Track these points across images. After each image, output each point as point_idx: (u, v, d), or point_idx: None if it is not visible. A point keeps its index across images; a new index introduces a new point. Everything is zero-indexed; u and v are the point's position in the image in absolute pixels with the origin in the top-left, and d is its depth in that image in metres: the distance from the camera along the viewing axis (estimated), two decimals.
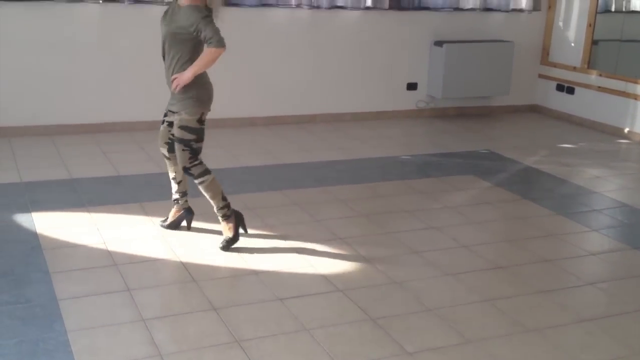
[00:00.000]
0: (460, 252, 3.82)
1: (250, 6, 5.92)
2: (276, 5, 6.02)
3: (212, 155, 5.31)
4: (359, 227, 4.14)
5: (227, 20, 5.84)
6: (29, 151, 5.16)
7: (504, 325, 3.07)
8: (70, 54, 5.55)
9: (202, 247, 3.72)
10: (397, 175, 5.11)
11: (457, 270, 3.57)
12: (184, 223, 3.92)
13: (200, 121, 3.59)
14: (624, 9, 6.89)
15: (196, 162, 3.61)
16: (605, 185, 5.08)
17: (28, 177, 4.61)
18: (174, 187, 3.86)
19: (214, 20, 3.46)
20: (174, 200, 3.88)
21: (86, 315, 2.99)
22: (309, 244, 3.81)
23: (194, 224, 3.95)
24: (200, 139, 3.61)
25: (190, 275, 3.39)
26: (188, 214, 3.90)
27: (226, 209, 3.69)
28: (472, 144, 6.05)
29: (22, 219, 3.95)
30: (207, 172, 3.63)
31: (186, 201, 3.90)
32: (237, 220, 3.74)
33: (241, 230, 3.78)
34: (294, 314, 3.07)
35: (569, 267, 3.69)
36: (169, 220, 3.91)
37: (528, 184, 5.11)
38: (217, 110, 6.06)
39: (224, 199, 3.70)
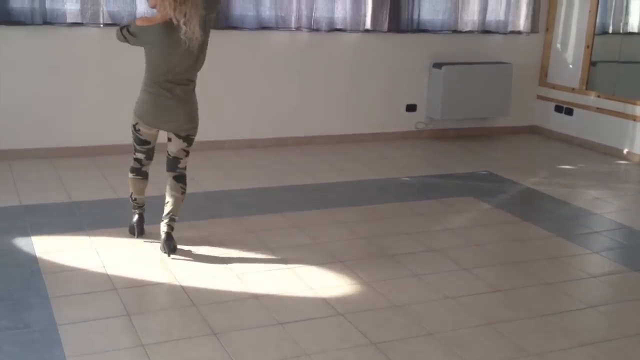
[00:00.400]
0: (461, 275, 3.81)
1: (251, 29, 5.95)
2: (276, 28, 6.05)
3: (212, 176, 5.34)
4: (360, 249, 4.13)
5: (227, 43, 5.94)
6: (29, 174, 5.17)
7: (506, 350, 3.05)
8: (70, 77, 5.58)
9: (202, 270, 3.71)
10: (397, 197, 5.12)
11: (458, 294, 3.56)
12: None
13: (134, 128, 3.80)
14: (621, 31, 6.94)
15: (133, 157, 3.93)
16: (605, 207, 5.08)
17: (28, 201, 4.61)
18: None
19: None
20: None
21: (85, 340, 2.98)
22: (310, 267, 3.80)
23: (196, 248, 3.95)
24: (133, 140, 3.86)
25: (190, 299, 3.38)
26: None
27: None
28: (472, 165, 6.06)
29: (21, 242, 3.95)
30: (130, 171, 3.96)
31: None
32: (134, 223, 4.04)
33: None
34: (294, 339, 3.05)
35: (569, 290, 3.68)
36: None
37: (528, 206, 5.11)
38: (217, 131, 6.15)
39: (132, 199, 4.02)
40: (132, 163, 3.94)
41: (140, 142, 3.83)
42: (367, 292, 3.55)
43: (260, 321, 3.21)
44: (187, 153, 3.82)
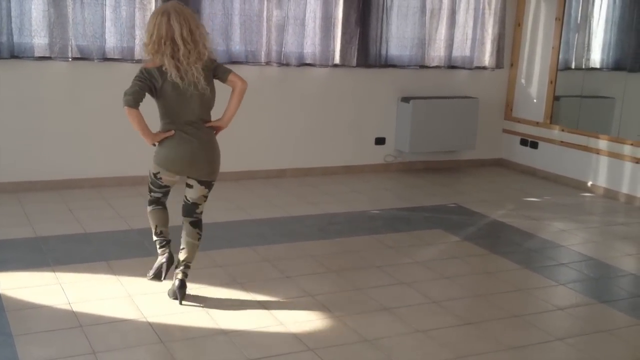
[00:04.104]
0: (431, 308, 3.82)
1: (221, 63, 5.96)
2: (246, 62, 6.09)
3: (180, 210, 5.28)
4: (329, 283, 4.12)
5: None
6: None
7: None
8: (37, 111, 5.53)
9: (170, 306, 3.66)
10: (367, 230, 5.13)
11: (428, 327, 3.57)
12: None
13: (155, 176, 3.71)
14: (583, 66, 7.12)
15: (148, 196, 3.86)
16: (571, 239, 5.16)
17: None
18: None
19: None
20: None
21: None
22: (279, 302, 3.78)
23: (164, 283, 3.90)
24: (151, 183, 3.79)
25: (157, 336, 3.33)
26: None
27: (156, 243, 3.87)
28: (440, 198, 6.12)
29: None
30: (148, 203, 3.86)
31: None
32: (158, 266, 3.85)
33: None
34: None
35: (538, 322, 3.71)
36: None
37: (496, 238, 5.16)
38: None
39: (156, 234, 3.84)
40: (149, 198, 3.82)
41: (159, 187, 3.76)
42: (337, 327, 3.53)
43: (229, 358, 3.17)
44: (206, 198, 3.77)
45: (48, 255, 4.26)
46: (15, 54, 5.31)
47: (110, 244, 4.52)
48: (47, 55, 5.41)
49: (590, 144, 6.53)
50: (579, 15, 7.00)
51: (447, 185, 6.57)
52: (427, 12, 6.70)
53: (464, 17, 6.90)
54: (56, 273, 3.99)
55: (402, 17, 6.64)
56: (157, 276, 3.85)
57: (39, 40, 5.37)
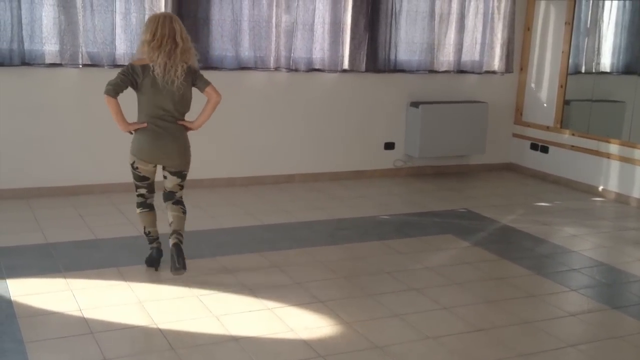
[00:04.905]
0: (441, 314, 3.80)
1: (230, 69, 6.00)
2: (255, 68, 6.10)
3: (190, 215, 5.28)
4: (339, 289, 4.12)
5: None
6: (4, 215, 5.10)
7: None
8: (48, 117, 5.56)
9: (181, 313, 3.66)
10: (376, 235, 5.12)
11: (438, 334, 3.55)
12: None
13: (132, 166, 4.05)
14: (594, 70, 7.10)
15: (136, 197, 4.17)
16: (583, 244, 5.13)
17: (3, 242, 4.54)
18: None
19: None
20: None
21: None
22: (289, 308, 3.77)
23: (174, 289, 3.91)
24: (133, 178, 4.11)
25: (168, 343, 3.33)
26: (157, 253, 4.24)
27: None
28: (450, 203, 6.10)
29: None
30: (137, 206, 4.17)
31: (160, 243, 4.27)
32: (149, 257, 4.21)
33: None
34: None
35: (549, 328, 3.69)
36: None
37: (506, 244, 5.14)
38: (195, 170, 6.08)
39: (145, 234, 4.20)
40: (136, 199, 4.17)
41: (140, 178, 4.09)
42: (347, 333, 3.52)
43: None
44: (182, 187, 4.15)
45: (59, 262, 4.27)
46: (26, 61, 5.34)
47: (120, 250, 4.53)
48: (58, 62, 5.43)
49: (601, 149, 6.50)
50: (589, 19, 6.98)
51: (457, 190, 6.55)
52: (436, 16, 6.69)
53: (473, 22, 6.89)
54: (67, 279, 4.00)
55: (411, 22, 6.63)
56: (151, 265, 4.22)
57: (50, 47, 5.40)
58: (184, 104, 4.02)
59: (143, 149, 3.98)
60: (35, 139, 5.54)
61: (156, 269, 4.19)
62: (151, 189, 4.15)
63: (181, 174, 4.08)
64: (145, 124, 3.95)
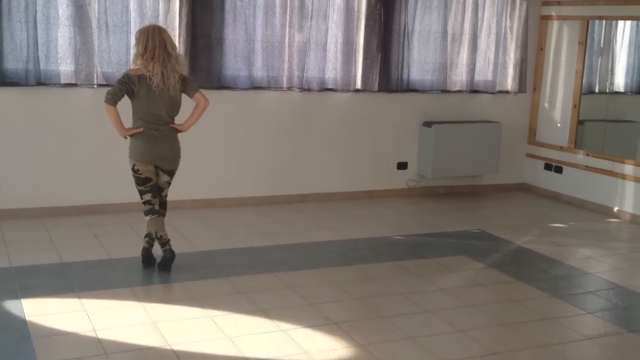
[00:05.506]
0: (457, 337, 3.77)
1: (243, 89, 6.03)
2: (267, 88, 6.13)
3: (203, 235, 5.32)
4: (353, 311, 4.09)
5: (220, 102, 6.02)
6: (19, 234, 5.12)
7: None
8: (62, 137, 5.59)
9: (194, 333, 3.65)
10: (390, 256, 5.10)
11: (453, 357, 3.52)
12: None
13: (133, 169, 4.39)
14: (607, 90, 7.08)
15: (143, 205, 4.48)
16: (598, 266, 5.08)
17: (18, 262, 4.56)
18: None
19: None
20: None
21: None
22: (303, 330, 3.75)
23: (187, 310, 3.90)
24: (136, 183, 4.44)
25: None
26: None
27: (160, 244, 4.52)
28: (464, 223, 6.07)
29: (11, 305, 3.88)
30: (145, 214, 4.45)
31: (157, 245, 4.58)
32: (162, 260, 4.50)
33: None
34: None
35: (565, 352, 3.65)
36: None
37: (521, 265, 5.10)
38: (209, 190, 6.16)
39: (157, 238, 4.48)
40: (144, 208, 4.45)
41: (143, 181, 4.40)
42: (362, 356, 3.50)
43: None
44: (169, 184, 4.56)
45: (73, 281, 4.28)
46: (41, 81, 5.39)
47: (134, 270, 4.53)
48: (73, 82, 5.48)
49: (616, 169, 6.46)
50: (602, 39, 6.97)
51: (470, 211, 6.52)
52: (448, 36, 6.71)
53: (486, 42, 6.90)
54: (81, 299, 4.00)
55: (424, 42, 6.65)
56: (164, 269, 4.50)
57: (65, 67, 5.45)
58: (175, 108, 4.40)
59: (142, 152, 4.34)
60: (50, 159, 5.58)
61: (169, 271, 4.47)
62: (155, 194, 4.44)
63: (173, 172, 4.51)
64: (142, 129, 4.31)
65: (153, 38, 4.23)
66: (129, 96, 4.30)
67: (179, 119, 4.47)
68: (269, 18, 6.01)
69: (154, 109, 4.30)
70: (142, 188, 4.41)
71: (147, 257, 4.56)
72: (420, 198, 6.88)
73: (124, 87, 4.25)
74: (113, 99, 4.23)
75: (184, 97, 4.45)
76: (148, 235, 4.54)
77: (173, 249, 4.50)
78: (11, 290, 4.08)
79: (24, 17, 5.23)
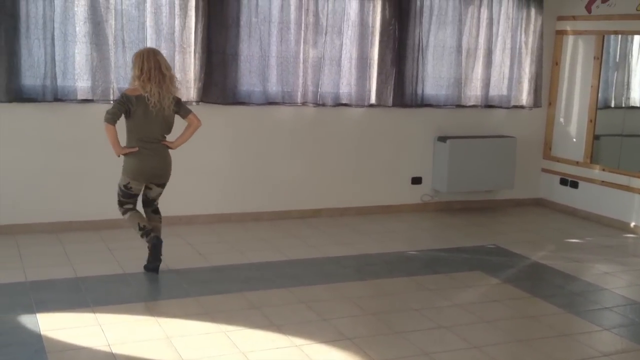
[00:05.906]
0: (472, 353, 3.74)
1: (258, 104, 6.05)
2: (282, 103, 6.15)
3: (217, 250, 5.33)
4: (367, 326, 4.08)
5: (234, 117, 6.05)
6: (35, 249, 5.15)
7: None
8: (79, 152, 5.63)
9: (208, 348, 3.65)
10: (404, 271, 5.08)
11: None
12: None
13: (126, 187, 4.61)
14: (623, 105, 7.03)
15: (120, 209, 4.71)
16: (615, 282, 5.03)
17: (33, 276, 4.58)
18: None
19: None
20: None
21: None
22: (317, 345, 3.74)
23: (201, 324, 3.90)
24: (122, 196, 4.66)
25: None
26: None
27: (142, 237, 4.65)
28: (478, 238, 6.04)
29: (26, 320, 3.90)
30: (125, 212, 4.69)
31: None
32: (152, 248, 4.61)
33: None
34: None
35: None
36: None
37: (537, 281, 5.06)
38: (223, 204, 6.17)
39: (140, 229, 4.62)
40: (122, 209, 4.69)
41: (130, 196, 4.67)
42: None
43: None
44: (160, 195, 4.80)
45: (87, 296, 4.29)
46: (58, 97, 5.44)
47: (148, 285, 4.55)
48: (90, 97, 5.53)
49: (632, 184, 6.41)
50: (618, 53, 6.94)
51: (485, 226, 6.49)
52: (463, 51, 6.71)
53: (501, 57, 6.89)
54: (96, 314, 4.02)
55: (438, 57, 6.65)
56: (156, 259, 4.62)
57: (82, 83, 5.50)
58: (168, 128, 4.64)
59: (137, 170, 4.57)
60: (67, 174, 5.62)
61: (160, 260, 4.64)
62: (135, 202, 4.73)
63: (164, 185, 4.76)
64: (137, 148, 4.52)
65: (148, 60, 4.45)
66: (126, 116, 4.50)
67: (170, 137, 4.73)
68: (283, 34, 6.04)
69: (150, 128, 4.52)
70: (126, 200, 4.67)
71: (156, 245, 4.62)
72: (434, 213, 6.86)
73: (123, 106, 4.46)
74: (113, 119, 4.44)
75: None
76: (142, 229, 4.63)
77: (161, 236, 4.71)
78: (26, 304, 4.10)
79: (42, 34, 5.29)
